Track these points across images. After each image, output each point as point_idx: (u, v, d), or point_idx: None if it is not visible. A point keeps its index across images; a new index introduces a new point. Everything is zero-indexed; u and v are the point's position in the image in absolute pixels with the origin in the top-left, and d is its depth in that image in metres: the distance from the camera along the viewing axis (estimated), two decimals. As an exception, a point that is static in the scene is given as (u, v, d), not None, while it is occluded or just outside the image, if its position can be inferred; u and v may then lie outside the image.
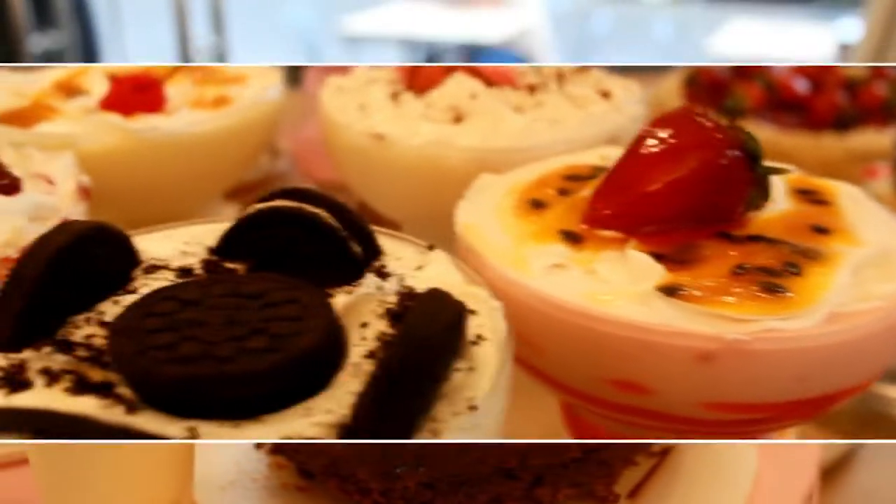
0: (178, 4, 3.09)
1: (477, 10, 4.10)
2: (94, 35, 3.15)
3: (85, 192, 0.58)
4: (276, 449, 0.55)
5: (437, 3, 4.20)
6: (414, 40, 4.06)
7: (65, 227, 0.45)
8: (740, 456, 0.53)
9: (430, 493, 0.49)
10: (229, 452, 0.57)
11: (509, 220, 0.52)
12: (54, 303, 0.43)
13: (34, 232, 0.52)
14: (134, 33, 4.03)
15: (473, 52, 3.97)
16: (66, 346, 0.41)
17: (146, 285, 0.46)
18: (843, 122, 1.46)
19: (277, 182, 1.02)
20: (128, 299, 0.44)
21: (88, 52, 3.05)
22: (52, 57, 2.79)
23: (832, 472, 0.69)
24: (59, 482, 0.50)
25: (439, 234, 0.52)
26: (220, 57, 3.35)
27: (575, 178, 0.56)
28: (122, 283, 0.46)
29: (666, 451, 0.53)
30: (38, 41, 2.71)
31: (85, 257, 0.44)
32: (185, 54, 3.11)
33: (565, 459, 0.48)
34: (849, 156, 1.35)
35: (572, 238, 0.50)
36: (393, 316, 0.43)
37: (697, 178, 0.50)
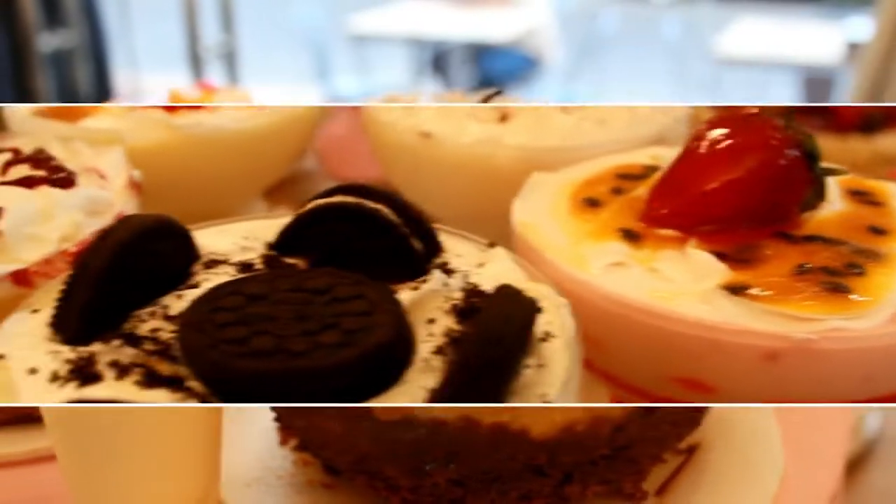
0: (187, 3, 3.10)
1: (484, 9, 4.09)
2: (103, 34, 3.13)
3: (137, 187, 0.58)
4: (302, 445, 0.55)
5: (444, 3, 4.19)
6: (421, 39, 4.07)
7: (127, 220, 0.45)
8: (768, 454, 0.53)
9: (461, 490, 0.48)
10: (254, 449, 0.57)
11: (565, 219, 0.52)
12: (119, 296, 0.43)
13: (91, 226, 0.52)
14: (143, 32, 4.06)
15: (480, 52, 4.03)
16: (134, 340, 0.41)
17: (207, 280, 0.46)
18: (869, 125, 1.45)
19: (303, 181, 1.02)
20: (190, 294, 0.44)
21: (97, 51, 3.05)
22: (61, 56, 2.80)
23: (848, 470, 0.69)
24: (86, 476, 0.50)
25: (487, 232, 0.52)
26: (230, 55, 3.36)
27: (627, 177, 0.56)
28: (182, 277, 0.46)
29: (693, 449, 0.53)
30: (47, 40, 2.72)
31: (147, 251, 0.44)
32: (194, 52, 3.15)
33: (594, 456, 0.47)
34: (876, 158, 1.35)
35: (631, 236, 0.50)
36: (459, 312, 0.43)
37: (756, 178, 0.49)
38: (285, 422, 0.55)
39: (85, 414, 0.43)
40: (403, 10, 4.17)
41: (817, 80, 3.80)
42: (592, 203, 0.53)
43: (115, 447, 0.49)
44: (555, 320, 0.43)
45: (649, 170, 0.56)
